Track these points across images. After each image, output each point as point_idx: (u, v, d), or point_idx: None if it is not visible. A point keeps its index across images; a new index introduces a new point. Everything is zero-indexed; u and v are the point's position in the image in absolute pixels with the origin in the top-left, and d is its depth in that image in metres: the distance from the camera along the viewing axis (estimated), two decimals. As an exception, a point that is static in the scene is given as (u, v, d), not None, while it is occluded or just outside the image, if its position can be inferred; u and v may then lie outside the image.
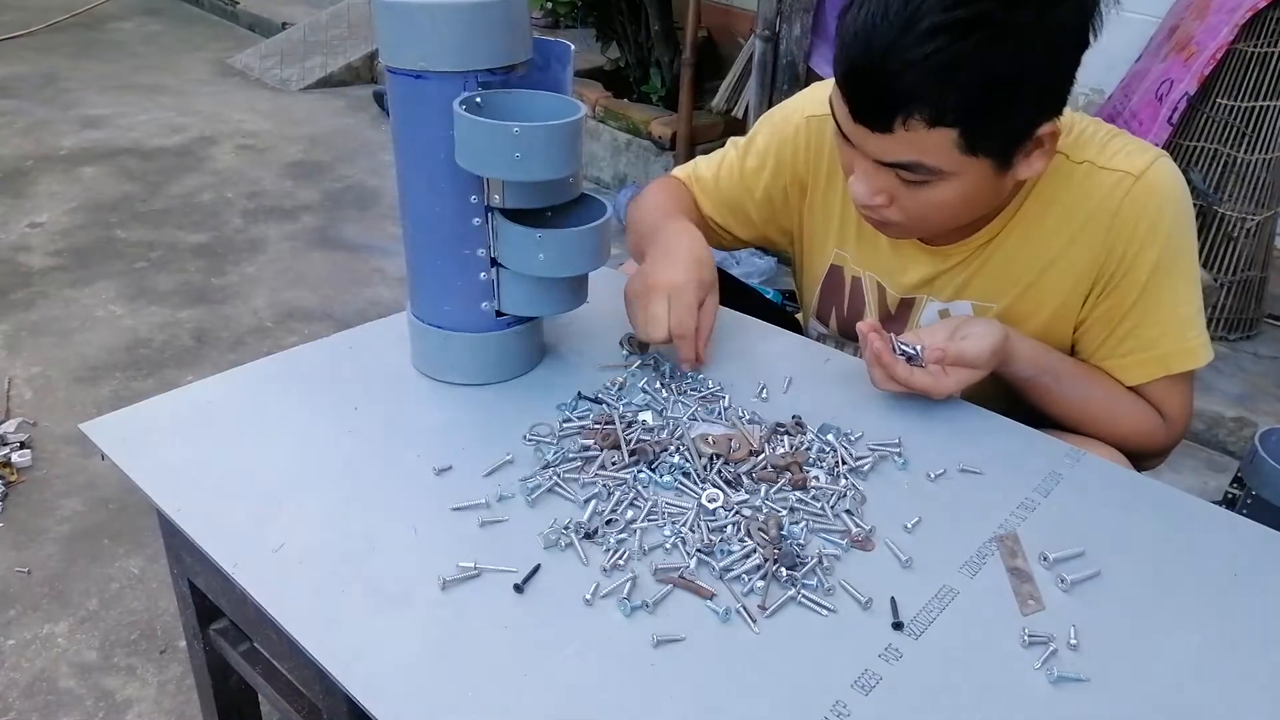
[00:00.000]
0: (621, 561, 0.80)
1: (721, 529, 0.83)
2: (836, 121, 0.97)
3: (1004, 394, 1.09)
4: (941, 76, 0.85)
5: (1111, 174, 1.02)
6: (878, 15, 0.86)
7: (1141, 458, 1.08)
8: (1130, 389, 1.08)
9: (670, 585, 0.78)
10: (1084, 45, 0.90)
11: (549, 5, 3.78)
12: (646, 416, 0.97)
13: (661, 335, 1.00)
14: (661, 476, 0.89)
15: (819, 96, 1.18)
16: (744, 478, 0.89)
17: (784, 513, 0.85)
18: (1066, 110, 0.96)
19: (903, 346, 0.98)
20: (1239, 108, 2.31)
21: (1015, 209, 1.06)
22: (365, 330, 1.13)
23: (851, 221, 1.18)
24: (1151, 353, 1.06)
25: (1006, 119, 0.90)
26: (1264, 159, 2.33)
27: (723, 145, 1.30)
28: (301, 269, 2.90)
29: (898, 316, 1.18)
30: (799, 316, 1.41)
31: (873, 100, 0.90)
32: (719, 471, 0.90)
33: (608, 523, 0.84)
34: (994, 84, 0.86)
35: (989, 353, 0.98)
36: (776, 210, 1.23)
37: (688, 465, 0.90)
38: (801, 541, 0.83)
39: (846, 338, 1.25)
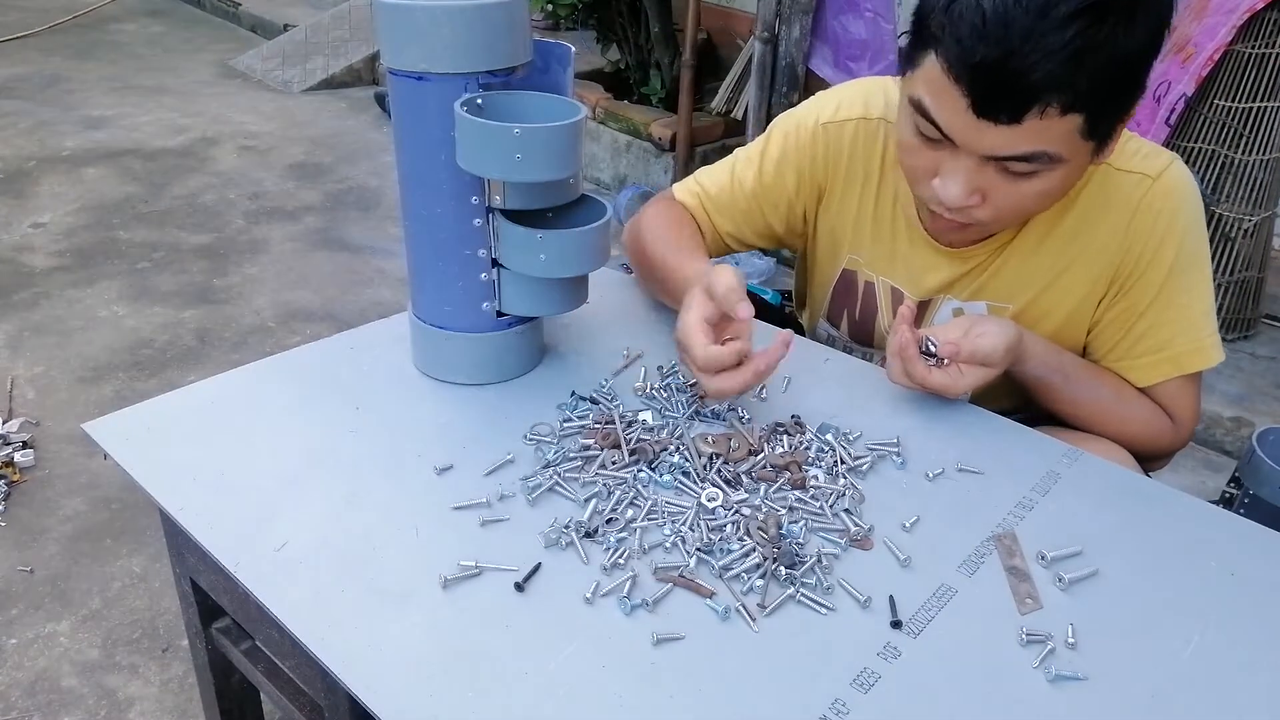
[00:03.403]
0: (621, 560, 0.80)
1: (721, 528, 0.84)
2: (932, 122, 0.91)
3: (1009, 392, 1.09)
4: (1080, 62, 0.82)
5: (1129, 176, 1.03)
6: (1008, 1, 0.82)
7: (1148, 459, 1.09)
8: (1140, 390, 1.08)
9: (670, 584, 0.78)
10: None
11: (549, 7, 3.78)
12: (646, 416, 0.97)
13: (708, 387, 0.93)
14: (661, 476, 0.89)
15: (831, 102, 1.16)
16: (743, 477, 0.90)
17: (783, 512, 0.86)
18: None
19: (927, 343, 0.98)
20: (1237, 109, 2.32)
21: None
22: (367, 330, 1.14)
23: (866, 228, 1.17)
24: (1165, 353, 1.06)
25: (1126, 101, 0.90)
26: (1261, 160, 2.34)
27: (722, 146, 1.29)
28: (303, 270, 2.91)
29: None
30: (790, 311, 1.41)
31: (1008, 92, 0.85)
32: (718, 471, 0.90)
33: (608, 522, 0.84)
34: (1125, 66, 0.85)
35: (1003, 350, 0.98)
36: (795, 217, 1.21)
37: (687, 465, 0.91)
38: (800, 540, 0.83)
39: (857, 342, 1.24)
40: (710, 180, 1.23)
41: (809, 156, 1.16)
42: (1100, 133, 0.90)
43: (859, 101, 1.15)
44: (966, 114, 0.87)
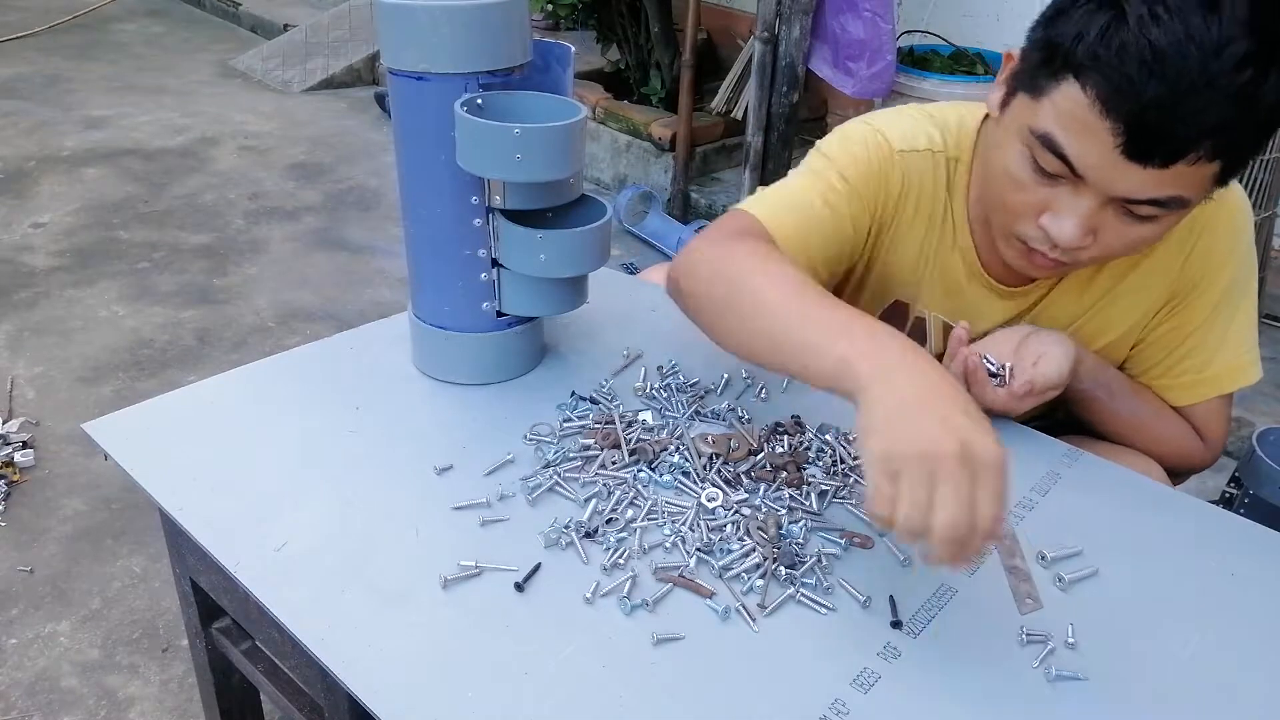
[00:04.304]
0: (621, 560, 0.80)
1: (721, 528, 0.84)
2: (1062, 157, 0.83)
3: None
4: (1247, 108, 0.77)
5: None
6: (1178, 36, 0.75)
7: (1174, 474, 1.09)
8: (1175, 408, 1.08)
9: (670, 584, 0.78)
10: None
11: (549, 7, 3.78)
12: (646, 416, 0.97)
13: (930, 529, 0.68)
14: (661, 476, 0.89)
15: (893, 129, 1.05)
16: (743, 477, 0.90)
17: (783, 512, 0.86)
18: None
19: (989, 364, 0.97)
20: (1238, 109, 2.31)
21: None
22: (367, 330, 1.14)
23: (927, 267, 1.10)
24: (1205, 373, 1.06)
25: (1260, 151, 0.85)
26: (1261, 160, 2.33)
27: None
28: (303, 270, 2.91)
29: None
30: None
31: (1170, 134, 0.78)
32: (718, 471, 0.90)
33: (608, 522, 0.84)
34: (1276, 113, 0.79)
35: (1066, 373, 0.96)
36: (862, 241, 1.08)
37: (687, 465, 0.90)
38: (800, 540, 0.83)
39: None
40: (789, 196, 1.03)
41: (883, 182, 1.04)
42: (1226, 181, 0.84)
43: (919, 132, 1.05)
44: (1113, 153, 0.80)
